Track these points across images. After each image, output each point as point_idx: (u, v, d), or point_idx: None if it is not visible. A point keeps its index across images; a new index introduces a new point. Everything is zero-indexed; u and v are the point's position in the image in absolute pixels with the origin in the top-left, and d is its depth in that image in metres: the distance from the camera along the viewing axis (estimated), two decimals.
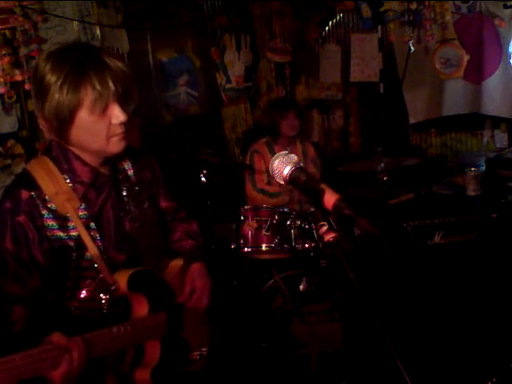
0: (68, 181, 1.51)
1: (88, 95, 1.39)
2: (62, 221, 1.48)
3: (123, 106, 1.47)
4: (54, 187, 1.48)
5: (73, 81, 1.39)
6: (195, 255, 1.85)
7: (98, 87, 1.39)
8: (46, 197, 1.47)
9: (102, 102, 1.41)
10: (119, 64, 1.47)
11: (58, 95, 1.39)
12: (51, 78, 1.40)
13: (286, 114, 3.66)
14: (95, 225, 1.53)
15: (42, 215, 1.46)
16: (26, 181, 1.48)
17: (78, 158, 1.52)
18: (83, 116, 1.42)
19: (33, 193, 1.46)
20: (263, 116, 4.51)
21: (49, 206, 1.47)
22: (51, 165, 1.51)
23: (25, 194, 1.45)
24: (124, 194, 1.64)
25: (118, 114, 1.45)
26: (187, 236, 1.92)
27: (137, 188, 1.68)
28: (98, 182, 1.56)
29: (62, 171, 1.51)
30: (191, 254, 1.85)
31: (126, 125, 1.49)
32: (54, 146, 1.53)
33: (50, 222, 1.46)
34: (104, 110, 1.43)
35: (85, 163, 1.52)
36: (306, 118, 5.04)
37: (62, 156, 1.51)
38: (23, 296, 1.43)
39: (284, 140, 3.74)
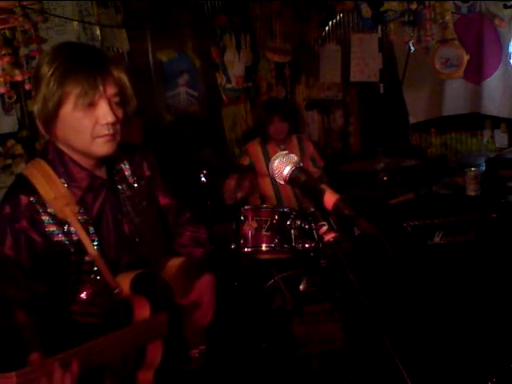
0: (65, 185, 1.49)
1: (73, 89, 1.38)
2: (62, 225, 1.46)
3: (115, 108, 1.45)
4: (53, 192, 1.46)
5: (60, 74, 1.38)
6: (206, 265, 1.82)
7: (84, 83, 1.38)
8: (45, 202, 1.45)
9: (87, 98, 1.39)
10: (120, 72, 1.46)
11: (45, 88, 1.39)
12: (44, 70, 1.40)
13: (271, 119, 3.61)
14: (94, 229, 1.52)
15: (43, 220, 1.45)
16: (24, 186, 1.46)
17: (74, 161, 1.50)
18: (67, 111, 1.41)
19: (32, 198, 1.44)
20: (253, 115, 4.53)
21: (48, 210, 1.45)
22: (48, 168, 1.49)
23: (24, 199, 1.44)
24: (122, 195, 1.61)
25: (105, 114, 1.42)
26: (196, 242, 1.87)
27: (134, 188, 1.66)
28: (94, 186, 1.54)
29: (59, 175, 1.49)
30: (202, 264, 1.82)
31: (117, 128, 1.47)
32: (51, 149, 1.51)
33: (51, 228, 1.45)
34: (90, 107, 1.41)
35: (81, 167, 1.51)
36: (306, 118, 5.06)
37: (58, 159, 1.50)
38: (28, 301, 1.42)
39: (275, 141, 3.72)
